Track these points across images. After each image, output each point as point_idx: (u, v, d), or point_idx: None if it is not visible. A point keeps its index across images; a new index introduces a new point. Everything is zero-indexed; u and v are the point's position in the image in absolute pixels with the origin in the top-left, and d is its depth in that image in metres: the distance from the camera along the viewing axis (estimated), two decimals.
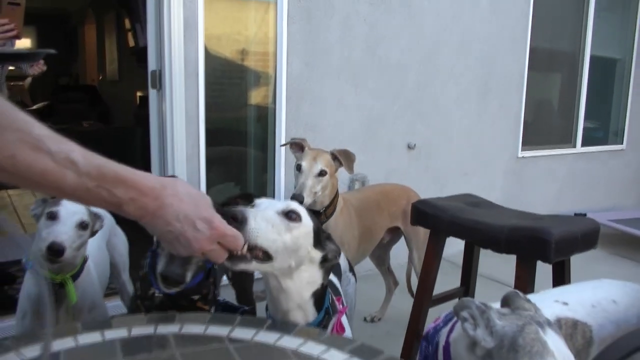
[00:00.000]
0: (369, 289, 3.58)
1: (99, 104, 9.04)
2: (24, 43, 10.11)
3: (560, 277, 2.11)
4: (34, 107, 9.34)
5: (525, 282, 1.94)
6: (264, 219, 1.14)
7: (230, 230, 1.01)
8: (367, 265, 3.54)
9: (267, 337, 1.17)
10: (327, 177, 2.45)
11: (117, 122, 8.53)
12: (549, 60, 5.31)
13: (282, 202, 1.23)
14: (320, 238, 1.28)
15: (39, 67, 3.41)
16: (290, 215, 1.20)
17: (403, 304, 2.85)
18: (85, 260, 1.83)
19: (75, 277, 1.76)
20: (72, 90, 9.53)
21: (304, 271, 1.26)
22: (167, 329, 1.19)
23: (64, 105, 8.70)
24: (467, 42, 4.37)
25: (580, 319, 1.59)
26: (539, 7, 4.77)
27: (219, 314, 1.31)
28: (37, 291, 1.77)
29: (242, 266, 1.12)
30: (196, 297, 1.47)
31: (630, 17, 5.66)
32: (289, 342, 1.15)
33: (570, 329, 1.56)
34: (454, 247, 3.03)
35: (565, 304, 1.62)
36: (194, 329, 1.19)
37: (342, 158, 2.52)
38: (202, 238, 0.96)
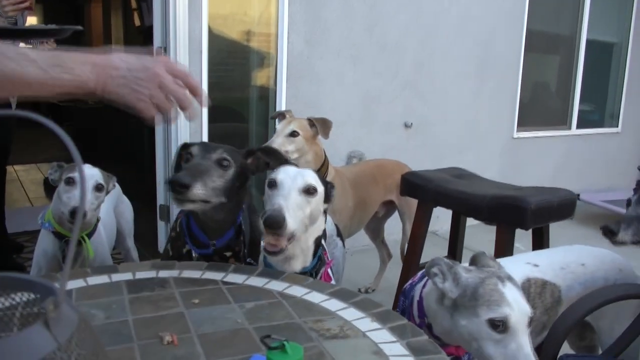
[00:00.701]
0: (364, 262, 3.73)
1: None
2: (30, 20, 10.18)
3: (539, 244, 2.23)
4: None
5: (503, 247, 2.07)
6: (294, 207, 1.34)
7: (176, 64, 1.18)
8: (363, 240, 3.67)
9: (256, 281, 1.32)
10: (300, 138, 2.58)
11: None
12: (546, 43, 5.38)
13: (300, 178, 1.40)
14: (328, 194, 1.48)
15: (50, 44, 3.52)
16: (309, 191, 1.39)
17: (396, 275, 2.98)
18: (98, 220, 1.97)
19: (89, 235, 1.91)
20: None
21: (317, 222, 1.45)
22: (168, 273, 1.33)
23: None
24: (464, 23, 4.45)
25: (550, 280, 1.72)
26: None
27: (214, 262, 1.45)
28: (52, 248, 1.92)
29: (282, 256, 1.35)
30: (229, 254, 1.59)
31: (626, 1, 5.71)
32: (276, 285, 1.30)
33: (540, 288, 1.69)
34: (447, 224, 3.16)
35: (536, 265, 1.75)
36: (192, 274, 1.34)
37: (318, 124, 2.65)
38: (155, 68, 1.07)
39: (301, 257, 1.46)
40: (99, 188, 1.87)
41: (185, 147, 1.57)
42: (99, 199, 1.88)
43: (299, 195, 1.37)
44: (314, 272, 1.48)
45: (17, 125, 3.59)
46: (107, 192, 1.96)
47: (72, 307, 0.47)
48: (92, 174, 1.87)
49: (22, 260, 3.50)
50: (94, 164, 1.98)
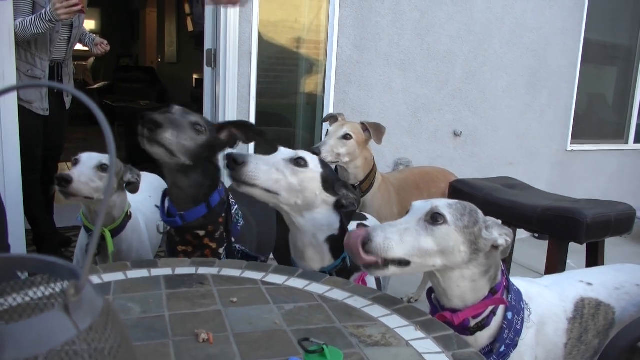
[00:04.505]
0: None
1: (157, 85, 9.32)
2: (88, 25, 10.52)
3: (593, 260, 2.13)
4: (95, 85, 9.71)
5: (555, 262, 1.98)
6: (267, 163, 1.35)
7: None
8: None
9: (296, 282, 1.27)
10: (352, 141, 2.53)
11: (174, 102, 8.75)
12: (603, 54, 5.21)
13: (292, 152, 1.43)
14: (331, 183, 1.44)
15: (103, 47, 3.61)
16: (298, 162, 1.39)
17: None
18: (128, 217, 1.96)
19: (117, 231, 1.91)
20: (132, 71, 9.85)
21: (318, 213, 1.42)
22: (207, 270, 1.31)
23: (124, 84, 9.01)
24: (518, 33, 4.35)
25: (604, 301, 1.61)
26: None
27: (254, 262, 1.42)
28: (85, 241, 1.95)
29: (245, 189, 1.35)
30: (202, 232, 1.58)
31: None
32: (317, 288, 1.25)
33: (594, 310, 1.57)
34: None
35: (590, 284, 1.64)
36: (231, 272, 1.31)
37: (372, 129, 2.60)
38: None
39: (314, 254, 1.45)
40: (103, 168, 1.83)
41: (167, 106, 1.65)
42: (101, 179, 1.82)
43: (282, 161, 1.39)
44: (334, 272, 1.45)
45: (70, 123, 3.68)
46: (129, 184, 1.96)
47: (98, 293, 0.44)
48: (99, 156, 1.85)
49: (69, 254, 3.58)
50: (143, 163, 1.99)
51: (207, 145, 1.56)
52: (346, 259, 1.47)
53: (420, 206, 1.27)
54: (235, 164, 1.31)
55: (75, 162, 1.83)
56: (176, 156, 1.48)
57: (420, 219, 1.23)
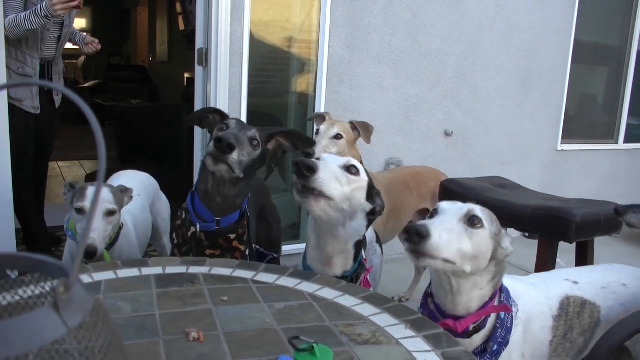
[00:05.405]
0: (399, 271, 3.66)
1: (148, 84, 9.29)
2: (79, 24, 10.48)
3: (583, 259, 2.14)
4: (86, 84, 9.67)
5: (545, 261, 1.99)
6: (331, 171, 1.31)
7: None
8: (399, 248, 3.61)
9: (287, 282, 1.28)
10: (343, 141, 2.55)
11: (166, 101, 8.76)
12: (594, 54, 5.24)
13: (344, 158, 1.41)
14: (372, 193, 1.44)
15: (94, 46, 3.59)
16: (351, 170, 1.37)
17: None
18: (120, 228, 1.94)
19: (111, 244, 1.89)
20: (123, 70, 9.82)
21: (355, 221, 1.40)
22: (198, 269, 1.31)
23: (115, 83, 8.98)
24: (510, 32, 4.36)
25: (589, 299, 1.63)
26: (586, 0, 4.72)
27: (245, 261, 1.42)
28: (77, 248, 1.92)
29: (311, 203, 1.29)
30: (232, 236, 1.60)
31: None
32: (308, 287, 1.26)
33: (579, 308, 1.59)
34: None
35: (576, 282, 1.65)
36: (222, 271, 1.31)
37: (361, 128, 2.62)
38: None
39: (342, 259, 1.43)
40: (111, 213, 1.76)
41: (215, 111, 1.70)
42: (112, 223, 1.78)
43: (339, 168, 1.35)
44: (355, 277, 1.44)
45: (62, 122, 3.67)
46: (123, 205, 1.92)
47: (88, 292, 0.45)
48: (105, 199, 1.74)
49: (60, 253, 3.56)
50: (134, 162, 1.97)
51: (260, 159, 1.61)
52: (362, 261, 1.47)
53: (451, 207, 1.25)
54: (308, 172, 1.26)
55: (82, 211, 1.75)
56: (234, 172, 1.52)
57: (459, 220, 1.21)
